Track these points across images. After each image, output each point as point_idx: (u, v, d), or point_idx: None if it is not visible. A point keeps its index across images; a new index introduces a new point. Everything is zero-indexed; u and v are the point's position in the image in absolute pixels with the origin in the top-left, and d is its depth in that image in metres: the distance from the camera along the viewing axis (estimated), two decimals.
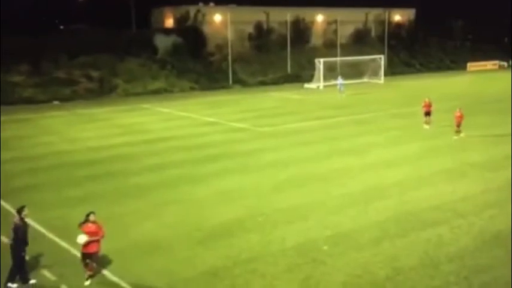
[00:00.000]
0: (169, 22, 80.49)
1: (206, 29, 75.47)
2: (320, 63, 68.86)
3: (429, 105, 38.05)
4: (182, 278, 15.84)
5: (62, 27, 77.82)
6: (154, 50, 71.39)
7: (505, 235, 18.47)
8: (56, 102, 56.62)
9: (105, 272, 16.09)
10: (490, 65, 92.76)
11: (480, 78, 77.08)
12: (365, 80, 71.90)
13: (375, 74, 73.31)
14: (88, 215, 15.56)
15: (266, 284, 15.42)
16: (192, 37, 73.12)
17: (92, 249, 15.35)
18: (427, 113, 37.96)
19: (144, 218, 20.64)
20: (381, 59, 74.53)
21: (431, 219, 20.09)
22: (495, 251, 17.25)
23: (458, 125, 34.28)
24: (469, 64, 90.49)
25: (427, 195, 22.87)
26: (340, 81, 59.95)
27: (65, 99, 57.71)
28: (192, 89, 66.55)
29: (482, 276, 15.52)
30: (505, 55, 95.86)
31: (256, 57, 77.81)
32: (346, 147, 32.50)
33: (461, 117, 34.27)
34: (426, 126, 37.37)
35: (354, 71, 70.91)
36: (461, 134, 34.03)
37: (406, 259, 16.78)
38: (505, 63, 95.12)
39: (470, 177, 25.17)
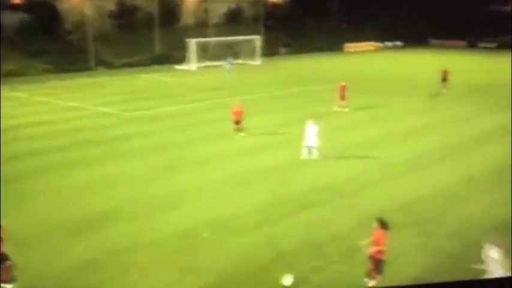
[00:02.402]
0: None
1: (60, 5, 72.68)
2: (192, 43, 69.09)
3: (344, 89, 39.19)
4: (50, 273, 15.49)
5: None
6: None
7: (385, 213, 19.88)
8: None
9: None
10: (366, 45, 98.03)
11: (357, 59, 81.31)
12: (241, 61, 73.13)
13: (252, 55, 74.80)
14: None
15: (143, 275, 15.49)
16: (43, 13, 70.05)
17: None
18: (342, 97, 39.10)
19: (7, 210, 19.73)
20: (257, 39, 76.14)
21: (313, 201, 21.21)
22: None
23: (238, 122, 31.54)
24: (345, 45, 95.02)
25: (307, 177, 24.03)
26: (229, 61, 62.57)
27: None
28: (47, 71, 63.79)
29: (363, 254, 16.67)
30: (381, 36, 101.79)
31: (120, 36, 76.32)
32: (223, 130, 32.97)
33: (240, 113, 31.39)
34: (346, 110, 38.70)
35: (230, 52, 71.78)
36: (242, 133, 31.53)
37: (289, 242, 17.61)
38: (381, 44, 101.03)
39: (351, 158, 26.73)
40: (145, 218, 19.52)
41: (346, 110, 38.66)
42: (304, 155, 26.32)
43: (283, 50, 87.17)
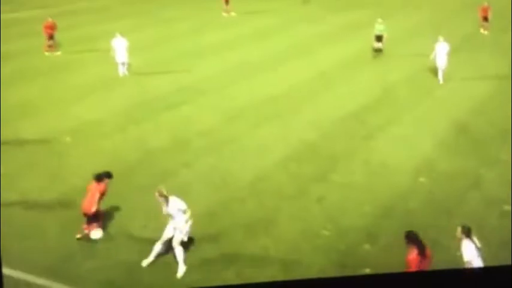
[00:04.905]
0: None
1: None
2: None
3: None
4: None
5: None
6: None
7: (247, 108, 21.11)
8: None
9: None
10: None
11: None
12: None
13: None
14: None
15: (8, 182, 15.33)
16: None
17: None
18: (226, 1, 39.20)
19: None
20: None
21: (176, 101, 21.70)
22: (238, 123, 19.65)
23: (52, 37, 29.81)
24: None
25: (167, 79, 24.49)
26: None
27: None
28: None
29: (230, 146, 17.66)
30: None
31: None
32: (84, 34, 32.22)
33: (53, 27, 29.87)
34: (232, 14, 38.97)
35: None
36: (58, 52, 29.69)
37: (156, 141, 17.97)
38: None
39: (210, 58, 27.68)
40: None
41: (233, 14, 39.23)
42: (120, 72, 25.07)
43: None
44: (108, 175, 12.91)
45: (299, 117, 20.11)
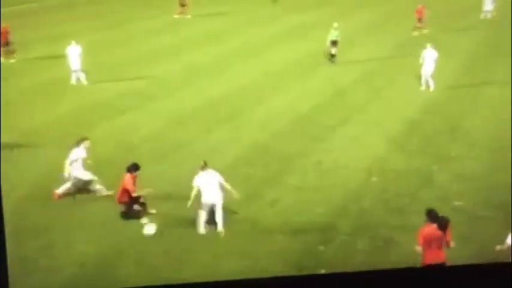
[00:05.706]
0: None
1: None
2: None
3: None
4: None
5: None
6: None
7: (197, 111, 20.92)
8: None
9: None
10: None
11: None
12: None
13: None
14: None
15: None
16: None
17: None
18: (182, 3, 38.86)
19: None
20: None
21: (123, 106, 21.35)
22: (188, 127, 19.42)
23: (8, 43, 28.50)
24: None
25: (115, 84, 24.14)
26: None
27: None
28: None
29: (180, 151, 17.39)
30: None
31: None
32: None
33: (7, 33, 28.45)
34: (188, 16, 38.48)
35: None
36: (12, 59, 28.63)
37: (102, 147, 17.47)
38: None
39: (156, 61, 27.47)
40: None
41: (188, 16, 38.97)
42: (73, 79, 24.37)
43: None
44: (133, 168, 13.66)
45: (251, 119, 20.11)
